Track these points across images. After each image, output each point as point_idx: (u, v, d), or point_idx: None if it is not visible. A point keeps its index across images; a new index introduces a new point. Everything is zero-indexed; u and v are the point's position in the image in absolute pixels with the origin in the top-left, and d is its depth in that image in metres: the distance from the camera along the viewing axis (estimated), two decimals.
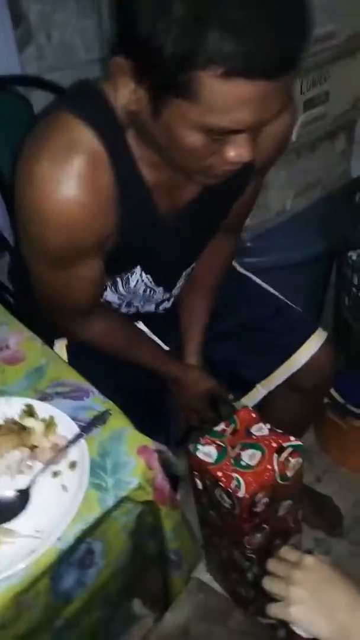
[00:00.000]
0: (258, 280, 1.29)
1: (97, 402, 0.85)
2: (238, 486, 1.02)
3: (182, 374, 1.17)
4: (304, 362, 1.18)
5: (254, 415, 1.15)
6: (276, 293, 1.27)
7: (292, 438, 1.10)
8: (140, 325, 1.15)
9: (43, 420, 0.80)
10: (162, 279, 1.05)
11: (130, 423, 0.83)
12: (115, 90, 0.75)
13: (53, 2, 1.37)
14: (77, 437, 0.77)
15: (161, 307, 1.15)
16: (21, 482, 0.74)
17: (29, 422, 0.80)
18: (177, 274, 1.09)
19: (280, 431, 1.12)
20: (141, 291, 1.05)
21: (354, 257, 1.36)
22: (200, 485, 1.12)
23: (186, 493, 1.24)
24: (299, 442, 1.09)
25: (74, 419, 0.81)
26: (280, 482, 1.06)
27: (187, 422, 1.25)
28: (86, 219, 0.81)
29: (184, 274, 1.10)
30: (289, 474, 1.07)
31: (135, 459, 0.77)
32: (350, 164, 1.70)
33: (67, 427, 0.79)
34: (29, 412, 0.81)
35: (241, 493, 1.01)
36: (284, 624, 0.68)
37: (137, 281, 1.02)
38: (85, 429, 0.78)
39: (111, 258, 0.92)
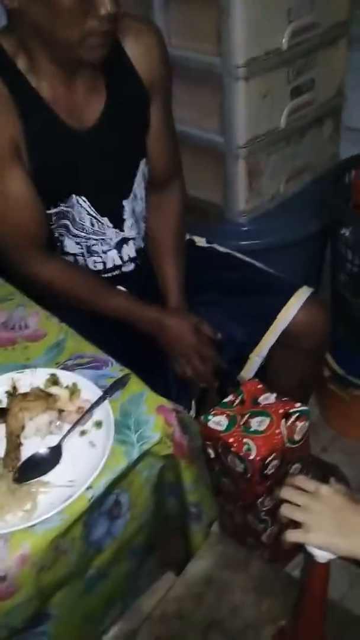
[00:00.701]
0: (239, 255, 1.33)
1: (115, 370, 0.91)
2: (249, 450, 1.08)
3: (164, 316, 1.16)
4: (291, 319, 1.21)
5: (259, 385, 1.22)
6: (257, 263, 1.31)
7: (297, 404, 1.16)
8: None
9: (67, 387, 0.87)
10: (102, 206, 1.12)
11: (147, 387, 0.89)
12: (2, 35, 0.98)
13: None
14: (101, 399, 0.84)
15: (124, 255, 1.20)
16: (52, 442, 0.81)
17: (54, 389, 0.86)
18: (114, 200, 1.15)
19: (286, 398, 1.19)
20: (89, 224, 1.13)
21: (347, 234, 1.42)
22: (212, 454, 1.18)
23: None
24: (305, 407, 1.15)
25: (95, 385, 0.87)
26: (289, 445, 1.12)
27: (184, 374, 1.21)
28: None
29: (125, 206, 1.16)
30: (297, 437, 1.14)
31: (155, 417, 0.84)
32: (338, 148, 1.76)
33: (90, 392, 0.86)
34: (53, 380, 0.88)
35: (252, 456, 1.08)
36: (301, 549, 0.73)
37: (81, 213, 1.11)
38: (108, 391, 0.85)
39: (41, 184, 1.04)
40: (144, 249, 1.25)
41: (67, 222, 1.13)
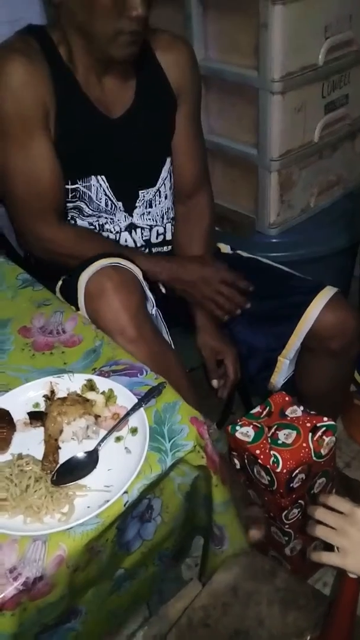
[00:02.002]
0: (263, 259, 1.36)
1: (150, 378, 0.92)
2: (276, 462, 1.09)
3: (181, 266, 1.21)
4: (316, 318, 1.21)
5: (287, 398, 1.22)
6: (282, 267, 1.33)
7: (325, 418, 1.16)
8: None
9: (103, 393, 0.88)
10: (119, 190, 1.20)
11: (181, 397, 0.90)
12: (50, 27, 1.09)
13: None
14: (137, 406, 0.85)
15: (137, 239, 1.25)
16: (89, 447, 0.82)
17: (90, 395, 0.88)
18: (132, 188, 1.22)
19: (313, 412, 1.19)
20: (103, 204, 1.19)
21: None
22: (238, 465, 1.19)
23: None
24: (332, 422, 1.16)
25: (130, 392, 0.89)
26: (315, 459, 1.12)
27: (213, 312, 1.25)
28: (26, 82, 1.05)
29: (141, 195, 1.22)
30: (324, 452, 1.14)
31: (188, 427, 0.85)
32: None
33: (125, 398, 0.87)
34: (90, 386, 0.89)
35: (279, 469, 1.08)
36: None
37: (98, 191, 1.18)
38: (144, 399, 0.86)
39: (64, 158, 1.12)
40: (157, 245, 1.29)
41: (82, 205, 1.19)
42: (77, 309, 1.05)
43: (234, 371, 1.25)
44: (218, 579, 0.96)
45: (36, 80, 1.06)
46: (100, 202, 1.20)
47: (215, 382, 1.27)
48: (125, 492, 0.76)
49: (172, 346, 1.14)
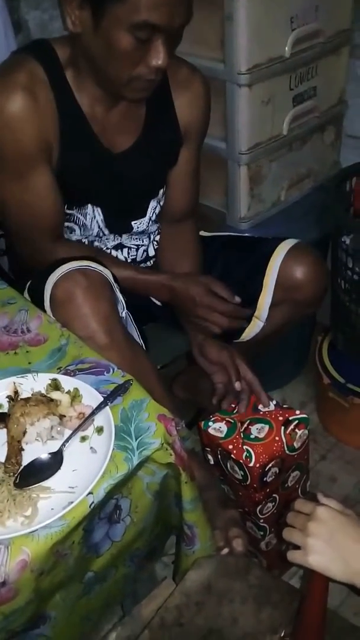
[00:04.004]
0: (224, 233, 1.40)
1: (116, 376, 0.91)
2: (249, 457, 1.08)
3: (173, 279, 1.19)
4: (280, 266, 1.24)
5: None
6: (246, 234, 1.36)
7: (297, 412, 1.16)
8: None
9: (68, 392, 0.86)
10: (113, 223, 1.18)
11: (149, 395, 0.89)
12: (60, 43, 1.03)
13: (50, 11, 1.45)
14: (102, 404, 0.83)
15: (123, 256, 1.25)
16: (53, 447, 0.80)
17: (55, 394, 0.86)
18: (125, 220, 1.21)
19: (286, 406, 1.19)
20: (95, 231, 1.19)
21: (347, 242, 1.42)
22: (212, 461, 1.18)
23: None
24: (304, 415, 1.16)
25: (96, 391, 0.87)
26: (288, 453, 1.12)
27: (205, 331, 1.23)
28: (26, 119, 1.00)
29: (133, 225, 1.23)
30: (296, 445, 1.14)
31: (155, 424, 0.83)
32: (339, 155, 1.77)
33: (91, 397, 0.85)
34: (55, 385, 0.87)
35: (252, 463, 1.07)
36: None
37: (92, 220, 1.18)
38: (109, 397, 0.84)
39: (63, 187, 1.09)
40: (142, 261, 1.30)
41: (75, 227, 1.18)
42: (44, 311, 1.02)
43: (252, 369, 1.22)
44: (191, 578, 0.95)
45: (38, 116, 1.01)
46: (93, 229, 1.20)
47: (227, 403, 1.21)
48: (91, 492, 0.74)
49: (144, 348, 1.12)
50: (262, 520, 1.16)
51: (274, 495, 1.15)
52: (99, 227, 1.19)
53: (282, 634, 0.87)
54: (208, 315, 1.17)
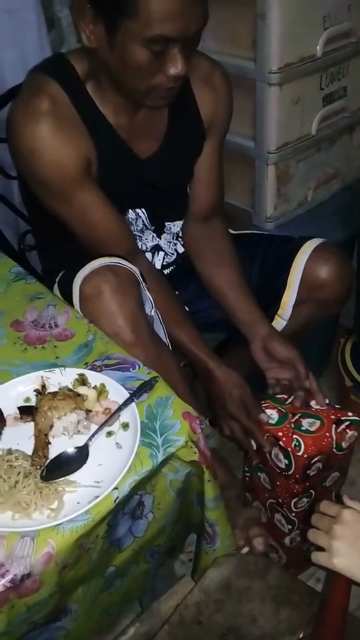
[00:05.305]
0: (248, 232, 1.40)
1: (142, 372, 0.91)
2: (298, 446, 1.08)
3: (217, 368, 1.15)
4: (305, 265, 1.23)
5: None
6: (271, 233, 1.36)
7: (349, 413, 1.15)
8: None
9: (95, 387, 0.87)
10: (152, 218, 1.20)
11: (174, 392, 0.89)
12: (77, 57, 1.04)
13: None
14: (128, 401, 0.84)
15: (156, 262, 1.26)
16: (79, 442, 0.81)
17: (82, 389, 0.86)
18: (161, 220, 1.23)
19: (338, 406, 1.18)
20: (139, 229, 1.21)
21: None
22: (255, 446, 1.17)
23: None
24: (355, 417, 1.15)
25: (122, 387, 0.88)
26: (335, 451, 1.11)
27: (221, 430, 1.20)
28: (60, 143, 1.01)
29: (167, 225, 1.24)
30: (345, 444, 1.13)
31: (180, 422, 0.84)
32: None
33: (117, 393, 0.86)
34: (82, 380, 0.88)
35: (300, 453, 1.07)
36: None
37: (137, 221, 1.19)
38: (135, 393, 0.85)
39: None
40: (172, 264, 1.30)
41: None
42: (73, 306, 1.03)
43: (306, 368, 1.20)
44: (210, 576, 0.95)
45: (69, 136, 1.02)
46: (138, 228, 1.20)
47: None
48: (116, 487, 0.75)
49: (170, 347, 1.13)
50: (293, 514, 1.15)
51: (311, 491, 1.14)
52: (144, 224, 1.20)
53: (301, 636, 0.87)
54: (229, 421, 1.16)
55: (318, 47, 1.40)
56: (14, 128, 1.03)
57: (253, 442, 1.14)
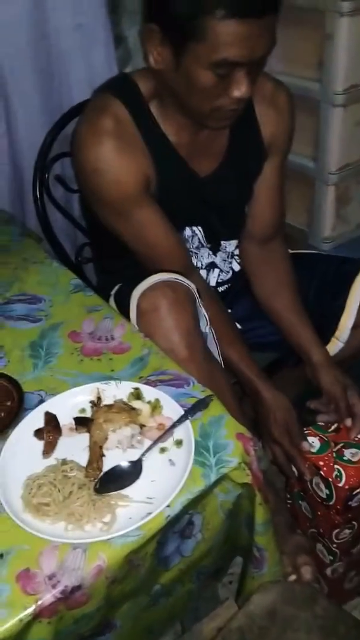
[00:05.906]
0: (303, 251, 1.37)
1: (196, 389, 0.91)
2: (339, 477, 1.05)
3: (265, 389, 1.14)
4: None
5: None
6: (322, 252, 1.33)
7: None
8: None
9: (149, 402, 0.87)
10: (208, 236, 1.21)
11: (228, 412, 0.88)
12: (142, 77, 1.06)
13: None
14: (183, 418, 0.83)
15: (211, 279, 1.27)
16: (132, 456, 0.81)
17: (136, 403, 0.87)
18: (217, 237, 1.23)
19: None
20: (195, 246, 1.22)
21: None
22: (297, 473, 1.15)
23: None
24: None
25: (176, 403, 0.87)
26: None
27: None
28: (120, 163, 1.03)
29: (223, 244, 1.25)
30: None
31: (234, 442, 0.83)
32: None
33: (171, 409, 0.86)
34: (137, 395, 0.88)
35: (341, 484, 1.04)
36: None
37: (193, 238, 1.21)
38: (190, 411, 0.85)
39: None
40: (226, 282, 1.30)
41: None
42: (129, 319, 1.04)
43: None
44: (256, 601, 0.93)
45: (131, 157, 1.05)
46: (193, 244, 1.21)
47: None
48: (168, 505, 0.74)
49: (223, 365, 1.12)
50: (335, 545, 1.13)
51: (354, 522, 1.11)
52: (200, 241, 1.21)
53: None
54: (272, 445, 1.16)
55: None
56: (78, 145, 1.06)
57: (294, 469, 1.12)
